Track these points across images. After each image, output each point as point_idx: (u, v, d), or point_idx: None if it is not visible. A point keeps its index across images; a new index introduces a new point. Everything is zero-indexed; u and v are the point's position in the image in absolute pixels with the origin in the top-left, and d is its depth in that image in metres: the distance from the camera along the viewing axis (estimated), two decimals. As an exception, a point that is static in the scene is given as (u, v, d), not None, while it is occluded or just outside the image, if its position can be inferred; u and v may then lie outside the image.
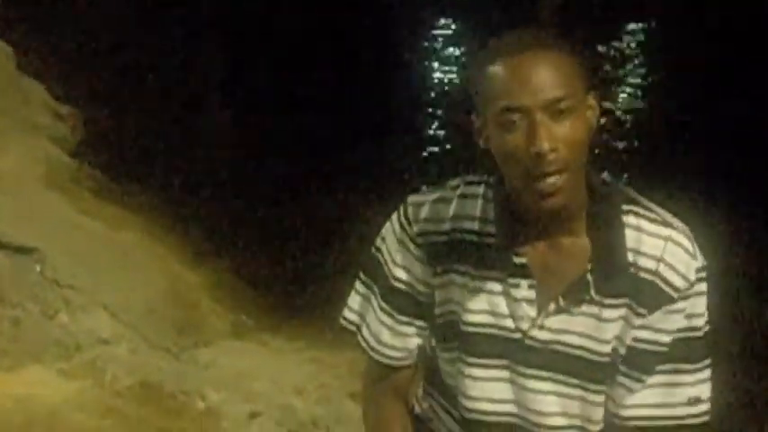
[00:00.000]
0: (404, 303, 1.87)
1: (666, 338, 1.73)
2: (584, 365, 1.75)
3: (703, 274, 1.74)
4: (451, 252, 1.79)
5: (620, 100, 8.32)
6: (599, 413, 1.80)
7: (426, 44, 9.78)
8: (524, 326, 1.76)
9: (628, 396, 1.77)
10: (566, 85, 1.65)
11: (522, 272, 1.74)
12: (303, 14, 9.20)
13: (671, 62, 9.04)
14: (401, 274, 1.85)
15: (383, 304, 1.89)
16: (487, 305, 1.77)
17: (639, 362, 1.75)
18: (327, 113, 7.31)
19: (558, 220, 1.71)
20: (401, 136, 7.37)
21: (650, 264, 1.71)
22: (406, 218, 1.82)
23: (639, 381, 1.76)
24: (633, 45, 9.70)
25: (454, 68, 9.09)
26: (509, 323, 1.76)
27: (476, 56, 1.74)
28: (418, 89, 8.60)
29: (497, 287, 1.77)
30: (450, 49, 9.59)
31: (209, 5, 9.52)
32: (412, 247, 1.82)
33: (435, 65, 9.18)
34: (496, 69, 1.66)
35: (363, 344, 1.93)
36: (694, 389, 1.76)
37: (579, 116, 1.66)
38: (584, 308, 1.73)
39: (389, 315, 1.88)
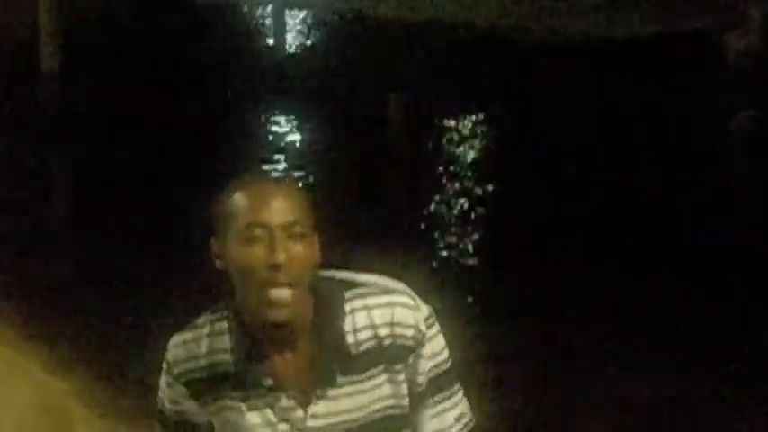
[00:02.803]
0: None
1: (423, 379, 2.05)
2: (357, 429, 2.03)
3: (431, 320, 2.05)
4: (213, 385, 2.01)
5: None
6: None
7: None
8: (298, 425, 2.00)
9: None
10: (300, 213, 1.95)
11: (275, 387, 1.99)
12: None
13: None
14: (177, 410, 2.05)
15: None
16: (260, 421, 2.00)
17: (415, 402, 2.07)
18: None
19: (287, 331, 1.97)
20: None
21: (386, 330, 2.01)
22: (167, 361, 2.04)
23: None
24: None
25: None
26: (284, 427, 2.01)
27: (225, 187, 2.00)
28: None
29: (261, 403, 2.00)
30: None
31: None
32: (177, 386, 2.03)
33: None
34: (244, 193, 1.95)
35: None
36: (457, 409, 2.09)
37: (309, 243, 1.96)
38: (345, 389, 2.00)
39: None
